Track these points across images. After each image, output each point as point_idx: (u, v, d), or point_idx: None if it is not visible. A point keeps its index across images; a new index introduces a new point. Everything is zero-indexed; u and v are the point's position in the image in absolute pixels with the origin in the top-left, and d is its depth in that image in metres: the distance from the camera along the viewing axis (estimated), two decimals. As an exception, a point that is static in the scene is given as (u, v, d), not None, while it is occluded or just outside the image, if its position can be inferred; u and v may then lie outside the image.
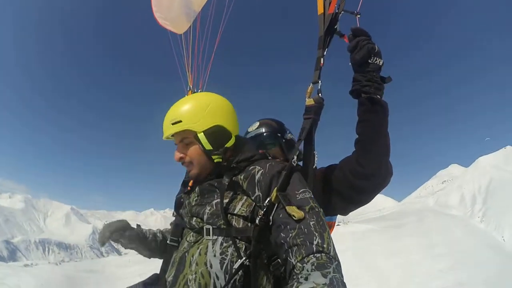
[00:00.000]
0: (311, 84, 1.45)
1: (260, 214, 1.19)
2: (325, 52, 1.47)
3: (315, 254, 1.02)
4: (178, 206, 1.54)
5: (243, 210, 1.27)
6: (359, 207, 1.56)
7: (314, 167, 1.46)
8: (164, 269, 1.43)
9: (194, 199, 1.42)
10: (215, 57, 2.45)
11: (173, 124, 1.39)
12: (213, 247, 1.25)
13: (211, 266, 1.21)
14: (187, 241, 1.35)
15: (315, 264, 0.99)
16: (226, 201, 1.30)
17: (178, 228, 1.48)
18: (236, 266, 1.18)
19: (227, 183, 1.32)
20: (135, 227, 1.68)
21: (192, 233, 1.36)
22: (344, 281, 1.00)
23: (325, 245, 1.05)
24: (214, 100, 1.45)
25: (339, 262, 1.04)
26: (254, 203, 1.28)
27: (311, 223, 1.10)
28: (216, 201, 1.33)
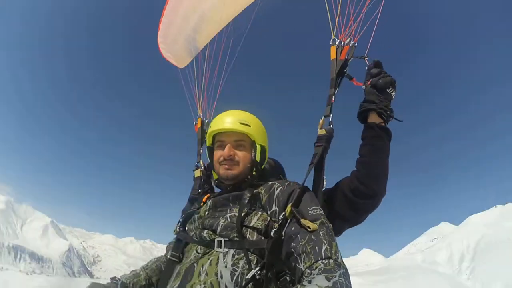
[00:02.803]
0: (323, 117, 1.68)
1: (275, 227, 1.27)
2: (336, 91, 1.72)
3: (323, 260, 1.09)
4: (186, 221, 1.60)
5: (259, 223, 1.34)
6: (353, 226, 1.66)
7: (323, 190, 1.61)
8: (164, 282, 1.43)
9: (206, 212, 1.51)
10: (226, 85, 2.48)
11: (241, 123, 1.54)
12: (224, 259, 1.28)
13: (221, 277, 1.24)
14: (195, 253, 1.39)
15: (322, 269, 1.05)
16: (242, 214, 1.36)
17: (181, 243, 1.51)
18: (248, 276, 1.20)
19: (248, 198, 1.40)
20: (111, 281, 1.53)
21: (199, 246, 1.41)
22: None
23: (333, 251, 1.12)
24: None
25: (346, 270, 1.09)
26: (269, 218, 1.36)
27: (321, 232, 1.19)
28: (230, 214, 1.41)
